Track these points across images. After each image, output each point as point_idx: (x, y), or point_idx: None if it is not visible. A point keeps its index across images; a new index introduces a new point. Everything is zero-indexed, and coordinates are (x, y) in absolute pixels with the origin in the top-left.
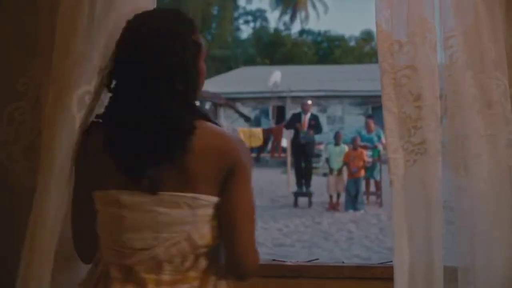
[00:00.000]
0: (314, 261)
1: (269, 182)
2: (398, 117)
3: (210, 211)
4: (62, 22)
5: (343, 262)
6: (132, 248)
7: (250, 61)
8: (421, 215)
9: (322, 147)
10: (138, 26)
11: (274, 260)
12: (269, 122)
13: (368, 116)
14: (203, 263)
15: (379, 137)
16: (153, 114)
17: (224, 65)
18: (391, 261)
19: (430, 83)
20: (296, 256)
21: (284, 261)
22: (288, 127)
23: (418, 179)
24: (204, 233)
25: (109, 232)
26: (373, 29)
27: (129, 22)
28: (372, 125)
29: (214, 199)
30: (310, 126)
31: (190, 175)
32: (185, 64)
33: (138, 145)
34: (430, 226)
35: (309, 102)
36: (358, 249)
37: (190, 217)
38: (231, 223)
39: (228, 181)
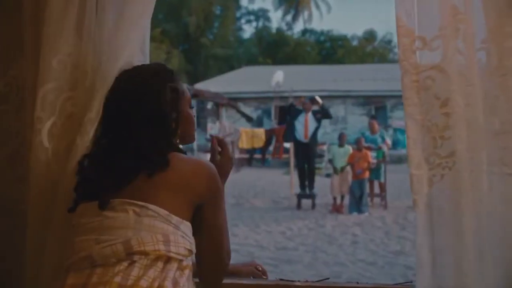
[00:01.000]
0: (325, 280)
1: (271, 183)
2: (422, 125)
3: (158, 223)
4: (50, 22)
5: (357, 283)
6: (77, 249)
7: (252, 61)
8: (450, 241)
9: (324, 147)
10: (119, 78)
11: (281, 279)
12: (272, 122)
13: (372, 117)
14: (135, 271)
15: (383, 138)
16: (123, 152)
17: (226, 64)
18: (410, 282)
19: (460, 86)
20: (300, 260)
21: (292, 281)
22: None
23: (447, 198)
24: (145, 242)
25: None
26: (376, 28)
27: (116, 77)
28: (376, 125)
29: (164, 212)
30: (316, 119)
31: (151, 193)
32: (159, 109)
33: (105, 174)
34: (461, 254)
35: (318, 99)
36: (363, 253)
37: (134, 223)
38: (204, 239)
39: (199, 209)
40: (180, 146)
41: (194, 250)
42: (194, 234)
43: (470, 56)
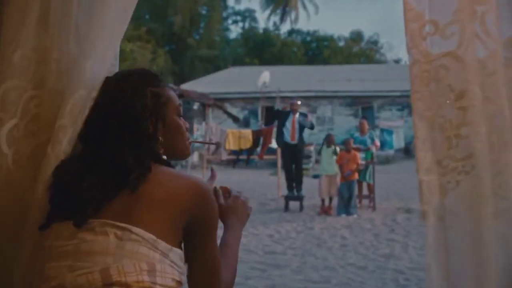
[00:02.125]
0: None
1: (258, 184)
2: (433, 123)
3: (142, 249)
4: (9, 10)
5: None
6: (47, 276)
7: (238, 61)
8: (468, 262)
9: (312, 148)
10: (103, 85)
11: None
12: (258, 123)
13: (362, 117)
14: None
15: (372, 139)
16: (100, 159)
17: (213, 65)
18: None
19: (479, 76)
20: (288, 264)
21: None
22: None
23: (464, 209)
24: (126, 272)
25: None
26: (363, 29)
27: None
28: (366, 126)
29: (150, 237)
30: (300, 126)
31: (135, 213)
32: (133, 112)
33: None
34: (481, 280)
35: (299, 102)
36: (353, 257)
37: (114, 248)
38: (198, 268)
39: (188, 236)
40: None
41: (185, 281)
42: (185, 261)
43: (492, 42)
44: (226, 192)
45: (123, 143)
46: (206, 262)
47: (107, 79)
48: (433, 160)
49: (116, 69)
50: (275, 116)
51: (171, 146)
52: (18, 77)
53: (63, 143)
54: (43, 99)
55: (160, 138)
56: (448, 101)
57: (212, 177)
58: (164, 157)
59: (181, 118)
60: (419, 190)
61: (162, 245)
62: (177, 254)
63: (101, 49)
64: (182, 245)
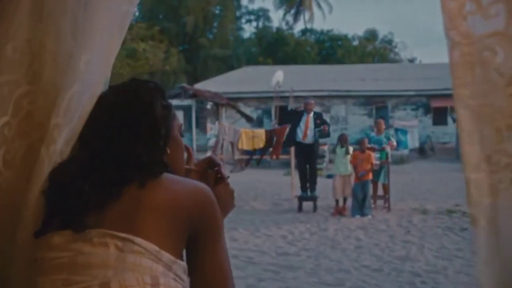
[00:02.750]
0: None
1: (271, 185)
2: (479, 113)
3: (145, 262)
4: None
5: None
6: None
7: (252, 61)
8: None
9: (325, 147)
10: (111, 89)
11: None
12: (272, 123)
13: (379, 117)
14: None
15: (388, 139)
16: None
17: (226, 64)
18: None
19: None
20: (302, 266)
21: None
22: (287, 121)
23: None
24: (128, 286)
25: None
26: (377, 28)
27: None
28: (383, 126)
29: (153, 248)
30: (316, 125)
31: (137, 221)
32: (151, 121)
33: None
34: None
35: (312, 101)
36: (368, 259)
37: (115, 261)
38: (203, 281)
39: (193, 244)
40: None
41: None
42: (189, 274)
43: None
44: (216, 171)
45: (138, 144)
46: (215, 270)
47: (124, 83)
48: (481, 156)
49: (111, 64)
50: (289, 116)
51: (173, 162)
52: (10, 71)
53: (58, 143)
54: (37, 95)
55: (168, 149)
56: (496, 88)
57: (189, 156)
58: None
59: (182, 137)
60: (466, 190)
61: (166, 256)
62: (180, 266)
63: (99, 42)
64: (185, 257)
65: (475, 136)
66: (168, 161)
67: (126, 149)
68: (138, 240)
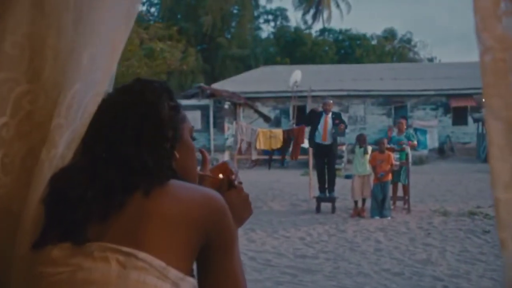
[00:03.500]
0: None
1: (289, 185)
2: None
3: (149, 279)
4: None
5: None
6: None
7: (270, 60)
8: None
9: (344, 148)
10: (124, 87)
11: None
12: (290, 122)
13: (401, 117)
14: None
15: (409, 139)
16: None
17: (244, 64)
18: None
19: None
20: (320, 269)
21: None
22: (307, 123)
23: None
24: None
25: None
26: (396, 27)
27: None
28: (405, 126)
29: (159, 264)
30: (334, 124)
31: (142, 234)
32: (156, 122)
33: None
34: None
35: (331, 101)
36: (388, 262)
37: (116, 278)
38: None
39: (205, 255)
40: None
41: None
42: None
43: None
44: (228, 178)
45: (142, 147)
46: (228, 285)
47: (129, 83)
48: None
49: (116, 60)
50: (308, 117)
51: (183, 168)
52: (9, 68)
53: (59, 145)
54: (37, 94)
55: (176, 154)
56: None
57: (205, 161)
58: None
59: (194, 140)
60: (495, 212)
61: (173, 273)
62: (189, 284)
63: (104, 35)
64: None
65: (506, 151)
66: (177, 167)
67: (130, 153)
68: (142, 255)
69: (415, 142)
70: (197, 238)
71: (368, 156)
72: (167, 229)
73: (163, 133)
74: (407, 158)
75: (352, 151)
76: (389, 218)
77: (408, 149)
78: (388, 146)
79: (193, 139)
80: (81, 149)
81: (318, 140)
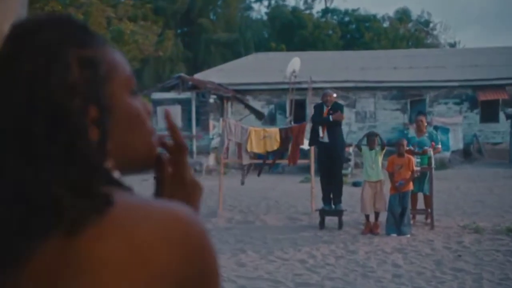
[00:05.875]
0: None
1: (286, 194)
2: None
3: None
4: None
5: None
6: None
7: (263, 46)
8: None
9: (350, 149)
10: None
11: None
12: (287, 119)
13: (420, 113)
14: None
15: (431, 140)
16: None
17: (232, 51)
18: None
19: None
20: None
21: None
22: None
23: None
24: None
25: None
26: (410, 7)
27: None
28: (425, 124)
29: None
30: (329, 114)
31: None
32: (50, 100)
33: None
34: None
35: (334, 95)
36: None
37: None
38: None
39: None
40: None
41: None
42: None
43: None
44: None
45: (34, 159)
46: None
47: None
48: None
49: None
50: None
51: (125, 152)
52: None
53: None
54: None
55: (111, 134)
56: None
57: (162, 166)
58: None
59: (137, 97)
60: None
61: None
62: None
63: None
64: None
65: None
66: (116, 150)
67: (16, 177)
68: None
69: (439, 146)
70: None
71: (380, 158)
72: (112, 284)
73: (71, 127)
74: (429, 163)
75: (357, 154)
76: (408, 235)
77: (431, 152)
78: (407, 148)
79: (134, 93)
80: None
81: (320, 138)
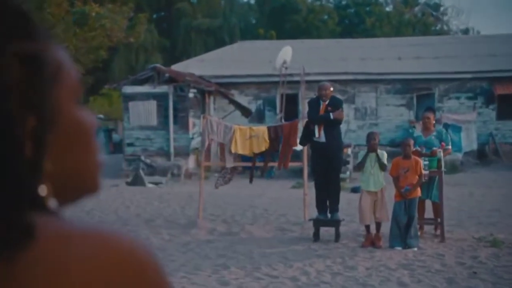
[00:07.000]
0: None
1: (275, 202)
2: None
3: None
4: None
5: None
6: None
7: (250, 34)
8: None
9: (349, 150)
10: None
11: None
12: (277, 116)
13: (428, 109)
14: None
15: (441, 140)
16: None
17: (215, 38)
18: None
19: None
20: None
21: None
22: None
23: None
24: None
25: None
26: None
27: None
28: (433, 121)
29: None
30: (327, 111)
31: None
32: None
33: None
34: None
35: (332, 88)
36: None
37: None
38: None
39: None
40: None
41: None
42: None
43: None
44: None
45: None
46: None
47: None
48: None
49: None
50: (311, 110)
51: (66, 174)
52: None
53: None
54: None
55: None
56: None
57: None
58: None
59: (83, 107)
60: None
61: None
62: None
63: None
64: None
65: None
66: (62, 174)
67: None
68: None
69: (450, 147)
70: None
71: (381, 174)
72: None
73: (8, 132)
74: (439, 166)
75: (357, 156)
76: (415, 249)
77: (441, 153)
78: (413, 149)
79: (81, 103)
80: None
81: (315, 137)
